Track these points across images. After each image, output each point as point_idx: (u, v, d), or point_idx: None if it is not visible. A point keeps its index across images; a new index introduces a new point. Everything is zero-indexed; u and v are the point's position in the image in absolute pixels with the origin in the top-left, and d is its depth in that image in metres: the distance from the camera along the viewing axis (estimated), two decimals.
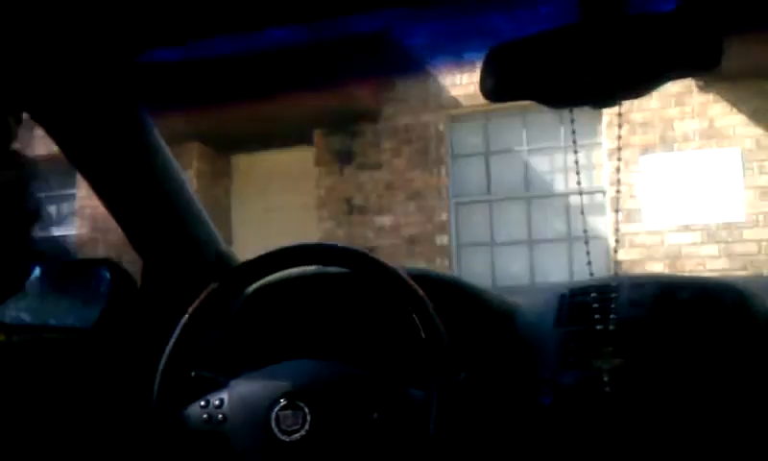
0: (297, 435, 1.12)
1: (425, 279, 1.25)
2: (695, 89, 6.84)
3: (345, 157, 7.96)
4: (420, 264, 7.46)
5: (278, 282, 1.47)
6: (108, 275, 1.59)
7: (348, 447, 1.11)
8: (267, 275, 1.34)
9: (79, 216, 8.28)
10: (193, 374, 1.23)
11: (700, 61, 1.03)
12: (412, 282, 1.18)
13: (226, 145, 8.53)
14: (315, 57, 6.64)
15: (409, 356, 1.22)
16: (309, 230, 7.84)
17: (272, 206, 8.50)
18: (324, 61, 6.80)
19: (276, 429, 1.13)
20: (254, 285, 1.43)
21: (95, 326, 1.53)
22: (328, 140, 7.98)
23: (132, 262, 1.65)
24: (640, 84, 1.04)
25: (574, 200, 7.22)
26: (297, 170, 8.29)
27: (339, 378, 1.18)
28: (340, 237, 7.80)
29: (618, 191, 1.93)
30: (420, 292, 1.17)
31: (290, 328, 1.54)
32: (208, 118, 7.38)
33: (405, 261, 7.41)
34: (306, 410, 1.13)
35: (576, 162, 1.32)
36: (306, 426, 1.12)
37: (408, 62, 7.57)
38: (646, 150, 6.94)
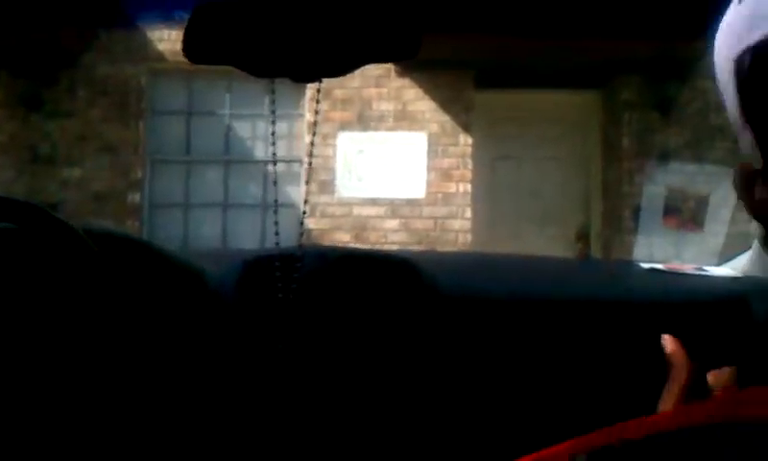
0: None
1: (110, 237, 1.19)
2: (393, 74, 7.21)
3: (32, 103, 7.35)
4: (109, 222, 7.13)
5: None
6: None
7: None
8: None
9: None
10: None
11: (399, 50, 1.08)
12: (88, 240, 1.11)
13: None
14: None
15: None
16: None
17: None
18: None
19: None
20: None
21: None
22: (15, 83, 7.32)
23: None
24: (341, 64, 1.07)
25: (272, 168, 7.29)
26: None
27: None
28: (20, 188, 7.19)
29: (311, 163, 1.98)
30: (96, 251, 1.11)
31: None
32: None
33: (92, 219, 7.03)
34: None
35: (273, 132, 1.32)
36: None
37: (115, 12, 7.17)
38: (344, 126, 7.20)
